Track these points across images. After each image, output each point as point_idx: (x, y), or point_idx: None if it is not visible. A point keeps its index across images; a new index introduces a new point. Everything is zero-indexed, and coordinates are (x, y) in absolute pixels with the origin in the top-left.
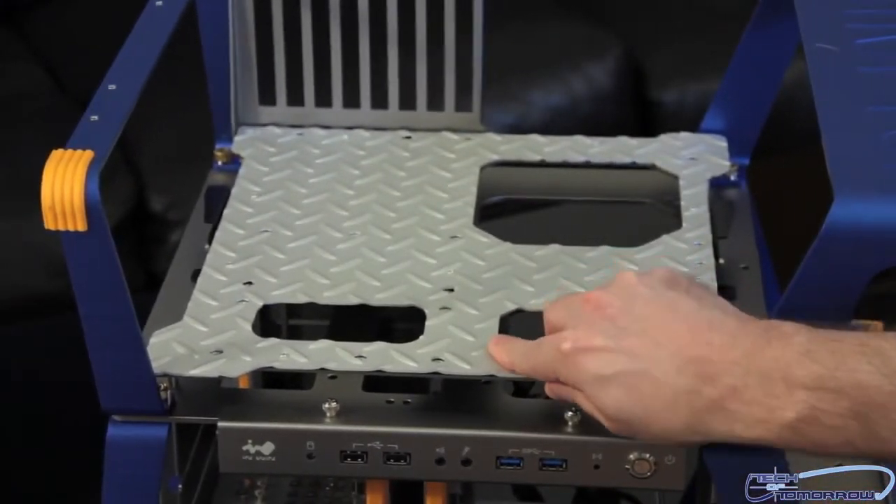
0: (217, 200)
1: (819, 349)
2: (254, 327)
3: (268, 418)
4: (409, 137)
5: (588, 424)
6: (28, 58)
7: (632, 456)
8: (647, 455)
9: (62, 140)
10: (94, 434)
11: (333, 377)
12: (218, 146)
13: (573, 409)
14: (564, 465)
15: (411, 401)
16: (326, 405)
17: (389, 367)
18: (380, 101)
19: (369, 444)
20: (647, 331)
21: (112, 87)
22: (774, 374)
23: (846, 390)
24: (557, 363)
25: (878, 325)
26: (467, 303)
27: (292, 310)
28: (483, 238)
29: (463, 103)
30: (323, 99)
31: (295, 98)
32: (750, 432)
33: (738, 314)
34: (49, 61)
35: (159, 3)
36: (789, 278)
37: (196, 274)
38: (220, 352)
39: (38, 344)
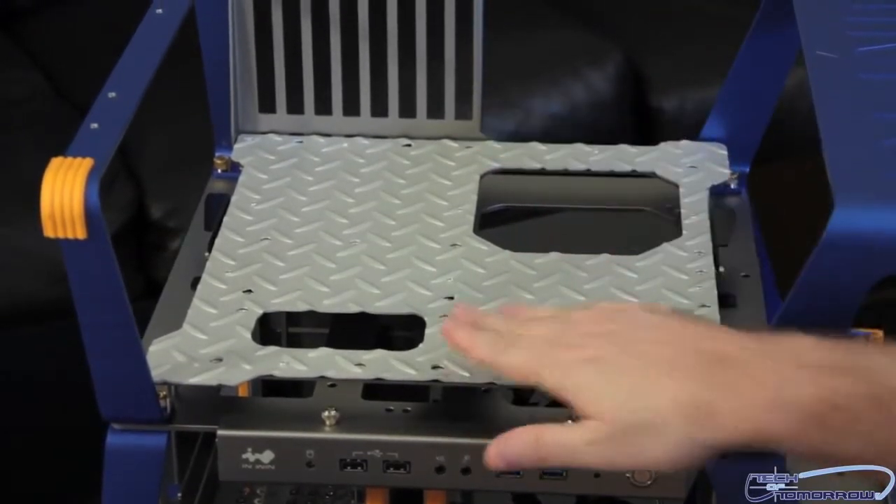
0: (217, 208)
1: (831, 343)
2: (253, 335)
3: (267, 426)
4: (408, 145)
5: None
6: (27, 64)
7: None
8: None
9: (61, 147)
10: (94, 442)
11: (333, 385)
12: (217, 154)
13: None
14: (564, 474)
15: (411, 409)
16: (326, 413)
17: (389, 375)
18: (380, 108)
19: (369, 453)
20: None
21: (112, 94)
22: (787, 356)
23: (862, 374)
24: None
25: (879, 333)
26: None
27: (292, 318)
28: (483, 246)
29: (463, 111)
30: (323, 107)
31: (295, 106)
32: (762, 415)
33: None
34: (48, 68)
35: (159, 10)
36: (790, 286)
37: (196, 282)
38: (220, 360)
39: (38, 351)
